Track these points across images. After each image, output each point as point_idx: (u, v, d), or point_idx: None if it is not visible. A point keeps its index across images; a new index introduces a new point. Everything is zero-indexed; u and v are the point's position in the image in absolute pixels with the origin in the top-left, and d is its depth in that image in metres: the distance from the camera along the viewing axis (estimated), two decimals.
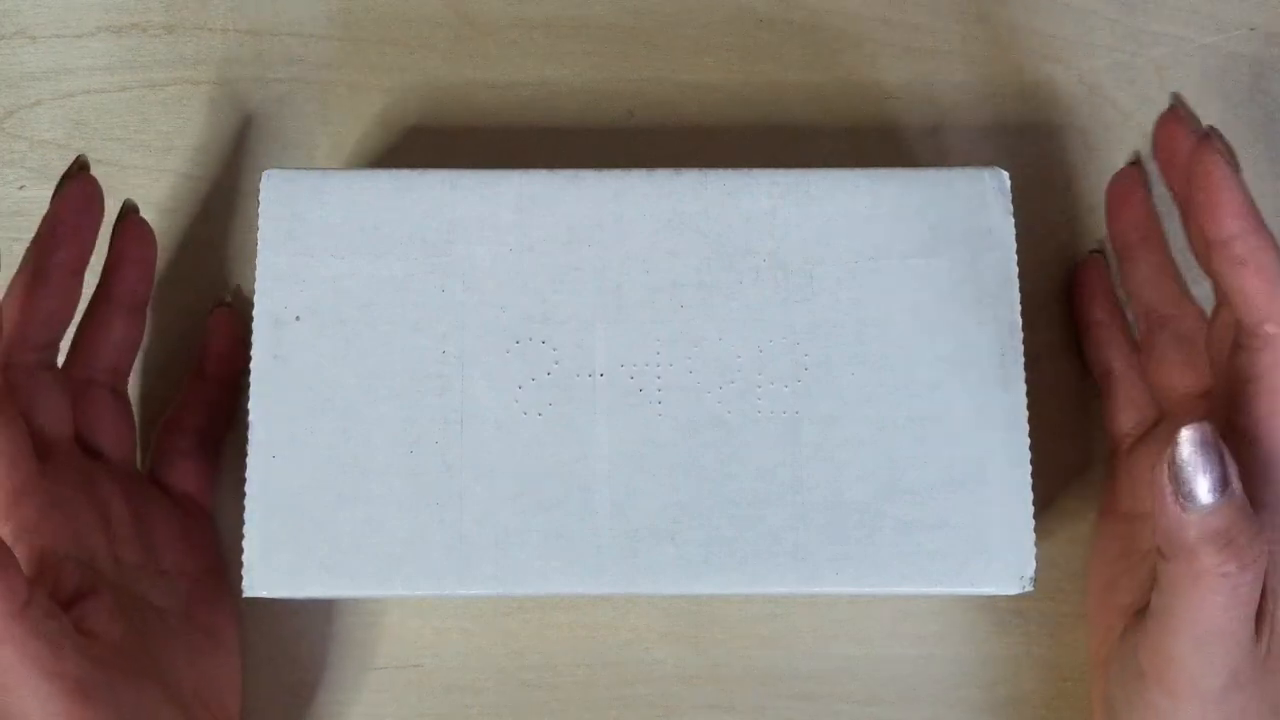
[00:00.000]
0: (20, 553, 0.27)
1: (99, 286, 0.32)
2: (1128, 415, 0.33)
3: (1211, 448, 0.25)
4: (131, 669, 0.28)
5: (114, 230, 0.33)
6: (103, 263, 0.32)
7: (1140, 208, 0.34)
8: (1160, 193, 0.35)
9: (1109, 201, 0.34)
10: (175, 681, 0.29)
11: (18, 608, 0.25)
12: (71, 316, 0.31)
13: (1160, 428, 0.32)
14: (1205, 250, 0.28)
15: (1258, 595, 0.26)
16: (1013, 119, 0.37)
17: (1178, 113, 0.31)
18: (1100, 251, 0.35)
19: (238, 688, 0.32)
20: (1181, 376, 0.31)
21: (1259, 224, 0.27)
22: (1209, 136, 0.28)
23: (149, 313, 0.34)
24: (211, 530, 0.33)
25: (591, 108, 0.37)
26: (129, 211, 0.33)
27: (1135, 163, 0.35)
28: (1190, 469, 0.25)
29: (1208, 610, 0.25)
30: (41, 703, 0.25)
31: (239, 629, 0.33)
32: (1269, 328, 0.27)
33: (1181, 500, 0.25)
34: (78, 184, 0.31)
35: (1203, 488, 0.25)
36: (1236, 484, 0.25)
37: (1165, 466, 0.25)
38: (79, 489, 0.29)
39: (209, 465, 0.33)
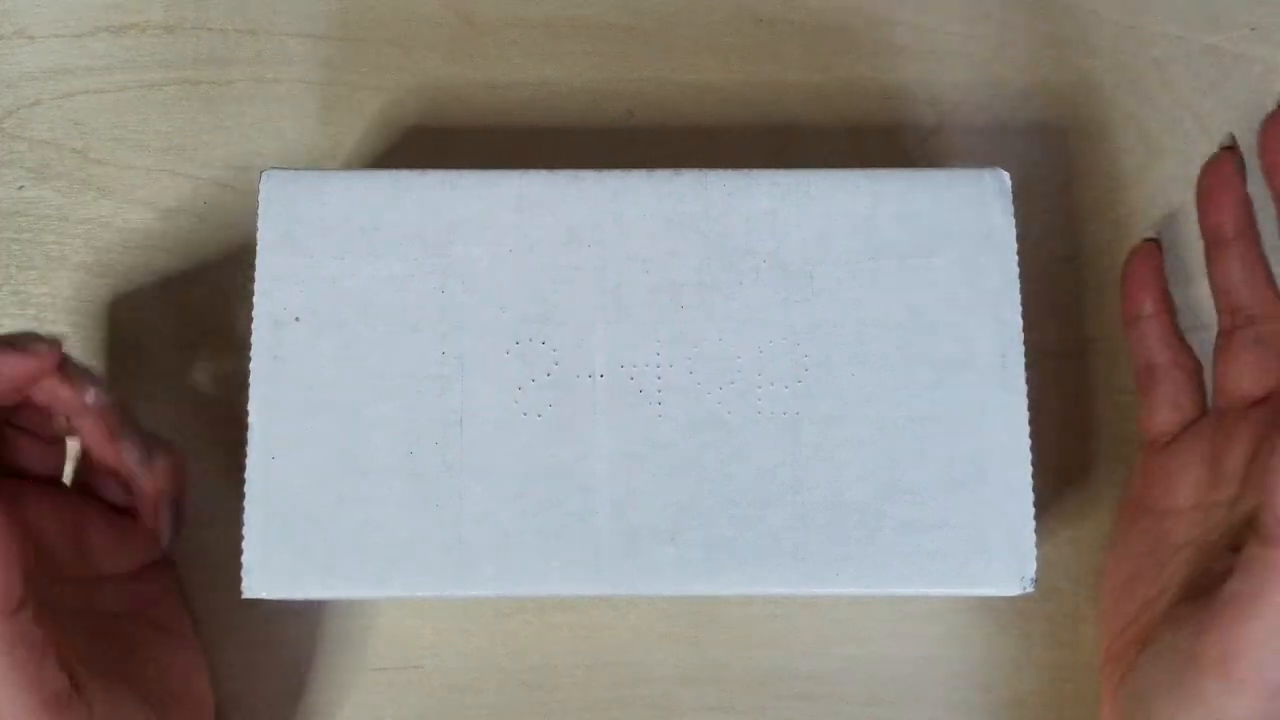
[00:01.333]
0: None
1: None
2: (1169, 412, 0.32)
3: None
4: (100, 673, 0.28)
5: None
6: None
7: (1238, 198, 0.32)
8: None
9: (1203, 189, 0.32)
10: (141, 682, 0.29)
11: (12, 608, 0.24)
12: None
13: (1203, 423, 0.32)
14: None
15: None
16: (1013, 119, 0.37)
17: None
18: (1155, 240, 0.34)
19: (203, 674, 0.32)
20: (1248, 378, 0.31)
21: None
22: None
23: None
24: (143, 527, 0.32)
25: (591, 108, 0.37)
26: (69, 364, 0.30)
27: (1231, 146, 0.32)
28: None
29: None
30: (18, 715, 0.25)
31: (190, 616, 0.32)
32: None
33: None
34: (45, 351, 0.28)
35: None
36: None
37: None
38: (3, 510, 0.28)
39: (127, 463, 0.31)
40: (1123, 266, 0.34)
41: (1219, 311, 0.32)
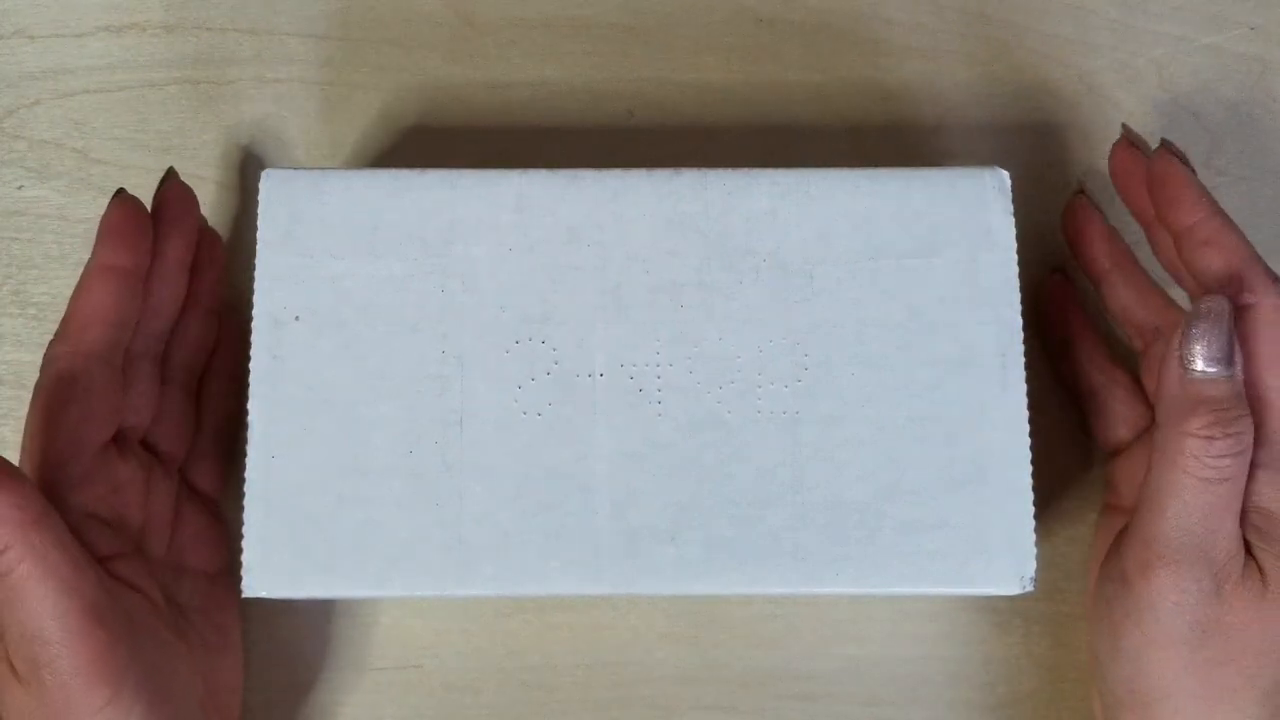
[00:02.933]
0: (66, 502, 0.28)
1: None
2: (1121, 426, 0.33)
3: (1224, 322, 0.27)
4: (164, 624, 0.29)
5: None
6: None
7: (1102, 233, 0.34)
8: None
9: (1069, 235, 0.34)
10: (191, 676, 0.30)
11: (35, 515, 0.25)
12: (179, 309, 0.32)
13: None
14: (1172, 255, 0.31)
15: (1240, 491, 0.27)
16: (1013, 119, 0.37)
17: (1129, 138, 0.33)
18: (1062, 270, 0.35)
19: (239, 688, 0.33)
20: None
21: (1217, 209, 0.29)
22: (1165, 145, 0.31)
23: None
24: (226, 531, 0.34)
25: (591, 108, 0.37)
26: (203, 221, 0.34)
27: (1081, 190, 0.35)
28: (1201, 335, 0.27)
29: (1192, 483, 0.27)
30: (59, 619, 0.26)
31: (243, 630, 0.33)
32: (1246, 297, 0.28)
33: (1186, 364, 0.27)
34: (174, 184, 0.32)
35: (1210, 354, 0.27)
36: (1239, 369, 0.28)
37: (1179, 332, 0.27)
38: (129, 480, 0.30)
39: (224, 464, 0.34)
40: (1042, 295, 0.35)
41: (1129, 337, 0.34)
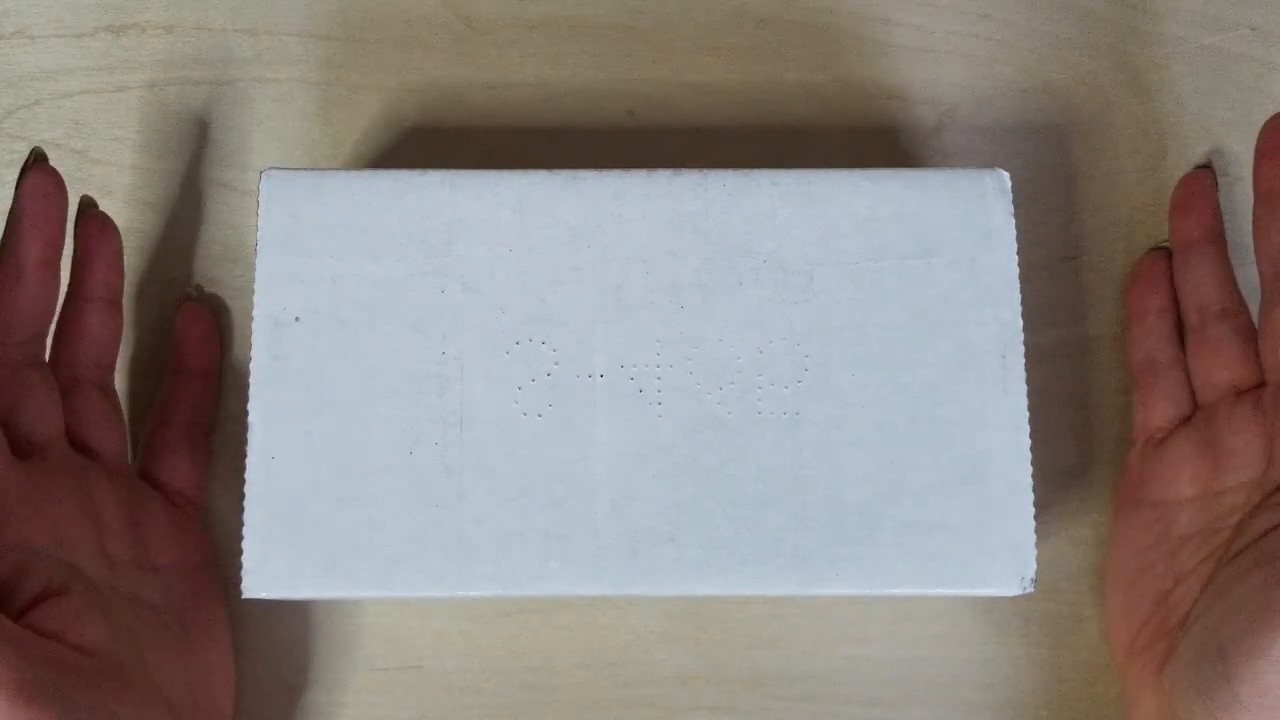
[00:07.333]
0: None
1: (71, 284, 0.32)
2: (1165, 408, 0.33)
3: None
4: (102, 672, 0.27)
5: (76, 226, 0.32)
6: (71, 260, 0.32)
7: (1208, 209, 0.34)
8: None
9: (1177, 198, 0.34)
10: (168, 681, 0.29)
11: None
12: (53, 309, 0.31)
13: (1196, 416, 0.32)
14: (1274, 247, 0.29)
15: None
16: (1013, 119, 0.37)
17: None
18: (1167, 249, 0.35)
19: (230, 684, 0.32)
20: (1231, 370, 0.32)
21: None
22: None
23: (129, 311, 0.34)
24: (203, 525, 0.33)
25: (591, 108, 0.37)
26: (88, 206, 0.32)
27: (1207, 165, 0.35)
28: None
29: None
30: None
31: (231, 625, 0.33)
32: None
33: None
34: (36, 175, 0.30)
35: None
36: None
37: None
38: (67, 487, 0.29)
39: (199, 459, 0.33)
40: (1135, 265, 0.35)
41: (1187, 311, 0.33)
